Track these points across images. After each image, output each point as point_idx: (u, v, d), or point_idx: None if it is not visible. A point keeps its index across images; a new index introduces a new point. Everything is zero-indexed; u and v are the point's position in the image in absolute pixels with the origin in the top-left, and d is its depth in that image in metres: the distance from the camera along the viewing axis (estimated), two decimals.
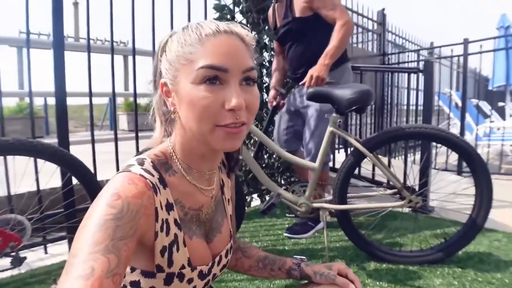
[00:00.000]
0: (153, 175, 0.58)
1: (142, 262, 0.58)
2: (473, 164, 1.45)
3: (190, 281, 0.63)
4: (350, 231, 1.64)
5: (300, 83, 1.90)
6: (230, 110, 0.55)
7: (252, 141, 2.41)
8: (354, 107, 1.50)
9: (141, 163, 0.59)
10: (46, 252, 1.78)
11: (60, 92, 1.70)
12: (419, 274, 1.47)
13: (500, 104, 5.67)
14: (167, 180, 0.61)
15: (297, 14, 1.90)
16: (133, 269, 0.58)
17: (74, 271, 0.43)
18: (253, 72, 0.59)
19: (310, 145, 1.95)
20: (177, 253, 0.60)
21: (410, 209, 1.57)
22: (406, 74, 2.84)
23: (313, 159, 1.88)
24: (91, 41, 1.89)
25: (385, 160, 2.47)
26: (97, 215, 0.48)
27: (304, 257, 0.84)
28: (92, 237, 0.46)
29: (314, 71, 1.74)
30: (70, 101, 2.20)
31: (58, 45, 1.67)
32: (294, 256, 0.84)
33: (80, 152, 1.93)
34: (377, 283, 1.42)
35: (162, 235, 0.58)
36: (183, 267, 0.61)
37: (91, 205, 0.51)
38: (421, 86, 2.37)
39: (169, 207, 0.60)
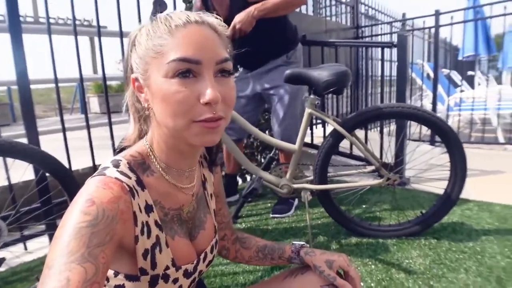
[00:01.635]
0: (129, 178, 0.56)
1: (125, 266, 0.58)
2: (448, 141, 1.50)
3: (175, 281, 0.62)
4: (332, 209, 1.68)
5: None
6: (206, 104, 0.53)
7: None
8: (331, 89, 1.49)
9: (116, 165, 0.57)
10: (25, 249, 1.73)
11: (23, 81, 1.59)
12: (398, 247, 1.54)
13: (470, 73, 5.85)
14: (145, 181, 0.59)
15: None
16: (116, 274, 0.58)
17: (49, 283, 0.42)
18: (228, 63, 0.57)
19: (283, 126, 1.92)
20: (160, 254, 0.59)
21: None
22: (380, 48, 2.85)
23: (288, 140, 1.87)
24: (52, 20, 1.76)
25: (361, 134, 2.52)
26: (71, 224, 0.47)
27: (303, 243, 0.83)
28: (67, 246, 0.44)
29: (239, 22, 1.62)
30: (36, 84, 2.08)
31: (15, 28, 1.54)
32: (292, 242, 0.83)
33: (52, 140, 1.85)
34: (359, 258, 1.47)
35: (143, 238, 0.57)
36: (167, 268, 0.60)
37: (65, 213, 0.49)
38: (395, 58, 2.39)
39: (148, 209, 0.58)
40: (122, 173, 0.55)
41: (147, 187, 0.59)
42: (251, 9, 1.64)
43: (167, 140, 0.60)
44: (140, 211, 0.56)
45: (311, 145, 2.84)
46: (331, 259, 0.76)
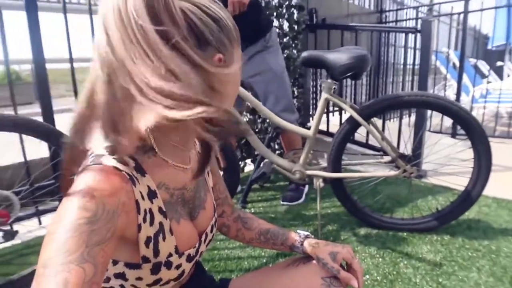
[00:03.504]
0: (127, 164, 0.53)
1: (125, 255, 0.56)
2: (473, 134, 1.42)
3: (178, 266, 0.61)
4: (344, 198, 1.65)
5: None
6: None
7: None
8: (349, 74, 1.44)
9: (111, 151, 0.52)
10: (40, 223, 1.79)
11: (38, 59, 1.60)
12: (408, 241, 1.50)
13: (499, 63, 5.56)
14: (145, 165, 0.56)
15: None
16: (115, 262, 0.56)
17: (45, 285, 0.39)
18: None
19: (279, 107, 1.87)
20: (164, 242, 0.57)
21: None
22: (404, 34, 2.73)
23: (286, 117, 1.80)
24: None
25: (379, 123, 2.45)
26: (68, 220, 0.43)
27: (307, 233, 0.81)
28: (64, 245, 0.41)
29: None
30: (60, 64, 2.10)
31: (31, 6, 1.55)
32: (297, 231, 0.82)
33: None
34: (367, 249, 1.44)
35: (146, 226, 0.55)
36: (170, 255, 0.59)
37: (61, 207, 0.46)
38: (419, 45, 2.29)
39: (151, 195, 0.56)
40: (119, 160, 0.52)
41: (148, 171, 0.56)
42: None
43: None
44: (143, 198, 0.54)
45: (327, 133, 2.79)
46: (335, 251, 0.74)
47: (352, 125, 1.55)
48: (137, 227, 0.53)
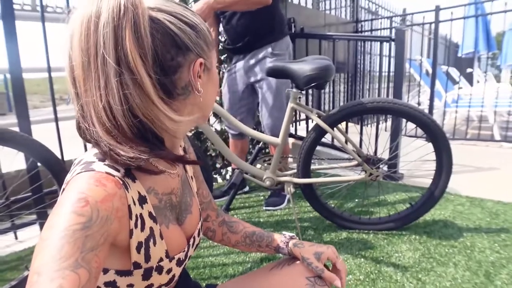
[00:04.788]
0: (118, 170, 0.52)
1: (116, 262, 0.55)
2: (432, 133, 1.48)
3: (169, 271, 0.61)
4: (315, 202, 1.68)
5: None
6: None
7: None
8: (312, 84, 1.47)
9: (102, 158, 0.53)
10: (16, 238, 1.73)
11: (15, 69, 1.57)
12: (388, 241, 1.54)
13: (469, 70, 5.83)
14: (135, 170, 0.56)
15: None
16: (106, 271, 0.55)
17: None
18: None
19: (269, 120, 1.93)
20: (154, 247, 0.57)
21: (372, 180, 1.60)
22: (379, 42, 2.83)
23: (274, 134, 1.87)
24: (50, 9, 1.75)
25: (357, 127, 2.52)
26: (62, 225, 0.43)
27: (292, 234, 0.83)
28: (59, 251, 0.41)
29: (197, 11, 1.59)
30: (33, 74, 2.05)
31: (8, 14, 1.52)
32: (283, 233, 0.83)
33: (48, 130, 1.83)
34: (348, 251, 1.47)
35: (137, 231, 0.55)
36: (161, 260, 0.59)
37: (53, 213, 0.45)
38: (393, 53, 2.38)
39: (142, 200, 0.56)
40: (110, 166, 0.52)
41: (137, 176, 0.56)
42: None
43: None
44: (134, 203, 0.54)
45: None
46: (319, 251, 0.76)
47: (318, 132, 1.58)
48: (129, 232, 0.53)
